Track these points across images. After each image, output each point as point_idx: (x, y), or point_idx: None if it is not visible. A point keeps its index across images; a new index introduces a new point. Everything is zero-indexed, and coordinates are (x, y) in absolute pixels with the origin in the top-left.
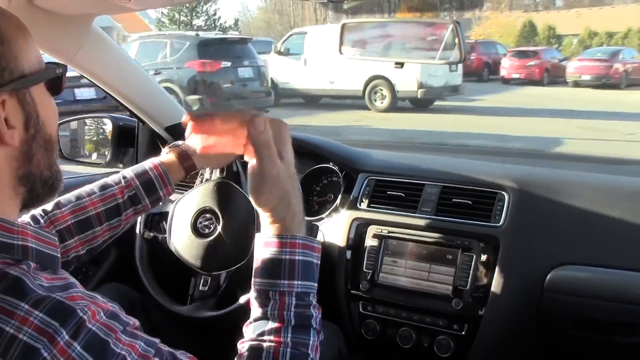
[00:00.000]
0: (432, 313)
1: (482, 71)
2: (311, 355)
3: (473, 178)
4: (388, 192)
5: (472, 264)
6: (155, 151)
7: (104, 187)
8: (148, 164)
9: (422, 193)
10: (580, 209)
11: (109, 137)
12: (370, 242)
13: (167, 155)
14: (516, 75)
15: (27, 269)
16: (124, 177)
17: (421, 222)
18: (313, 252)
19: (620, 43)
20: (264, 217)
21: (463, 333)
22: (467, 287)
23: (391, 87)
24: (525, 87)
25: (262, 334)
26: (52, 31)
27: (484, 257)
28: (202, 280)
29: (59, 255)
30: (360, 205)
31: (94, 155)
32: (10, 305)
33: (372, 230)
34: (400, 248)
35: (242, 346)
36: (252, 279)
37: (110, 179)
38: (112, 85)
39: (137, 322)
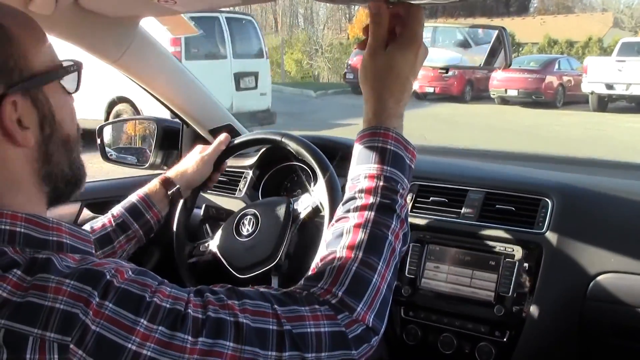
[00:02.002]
0: (474, 319)
1: None
2: (390, 238)
3: (516, 184)
4: (431, 198)
5: (515, 270)
6: None
7: (94, 221)
8: (133, 196)
9: (465, 199)
10: (624, 217)
11: (154, 140)
12: (412, 247)
13: (151, 183)
14: (430, 89)
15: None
16: (112, 212)
17: (464, 228)
18: (406, 151)
19: (580, 52)
20: (367, 105)
21: (505, 340)
22: (510, 294)
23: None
24: (440, 105)
25: (348, 210)
26: (97, 33)
27: (526, 264)
28: None
29: (93, 251)
30: None
31: (139, 158)
32: (42, 280)
33: (414, 235)
34: (443, 253)
35: (332, 222)
36: (350, 168)
37: (100, 217)
38: (157, 88)
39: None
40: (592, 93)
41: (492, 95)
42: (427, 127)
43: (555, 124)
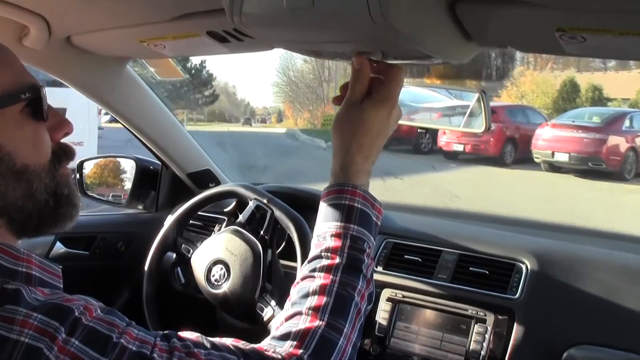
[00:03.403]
0: None
1: (417, 137)
2: (356, 299)
3: (491, 246)
4: (405, 256)
5: (486, 335)
6: (177, 196)
7: None
8: None
9: (439, 259)
10: (601, 288)
11: (132, 178)
12: (383, 305)
13: None
14: (458, 147)
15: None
16: None
17: (436, 289)
18: (373, 208)
19: None
20: (335, 159)
21: None
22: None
23: None
24: (470, 168)
25: (314, 269)
26: (87, 70)
27: (498, 329)
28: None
29: (62, 286)
30: (376, 267)
31: (117, 195)
32: (10, 312)
33: (386, 293)
34: (414, 314)
35: (296, 281)
36: (315, 225)
37: None
38: (140, 127)
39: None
40: None
41: (535, 159)
42: (446, 197)
43: (621, 203)
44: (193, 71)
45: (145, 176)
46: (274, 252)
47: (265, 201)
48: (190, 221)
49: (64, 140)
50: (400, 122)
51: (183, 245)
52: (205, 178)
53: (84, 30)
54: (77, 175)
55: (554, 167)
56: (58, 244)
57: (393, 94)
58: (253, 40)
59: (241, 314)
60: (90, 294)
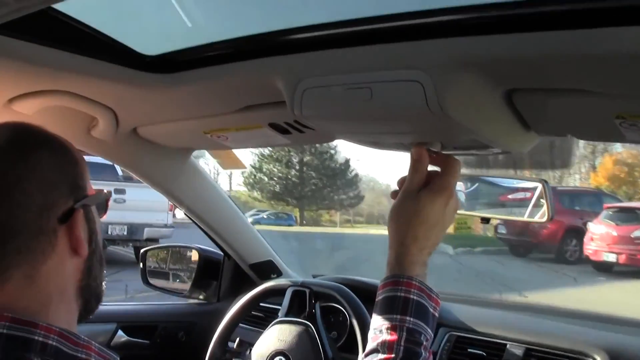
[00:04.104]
0: None
1: (561, 244)
2: None
3: (559, 341)
4: (469, 350)
5: None
6: (239, 286)
7: None
8: None
9: (504, 353)
10: None
11: (194, 268)
12: None
13: None
14: (610, 257)
15: None
16: None
17: None
18: (430, 299)
19: None
20: (391, 250)
21: None
22: None
23: None
24: (624, 283)
25: None
26: (152, 161)
27: None
28: None
29: None
30: None
31: (178, 285)
32: None
33: None
34: None
35: None
36: (372, 318)
37: None
38: (203, 218)
39: None
40: None
41: None
42: None
43: None
44: (337, 172)
45: (208, 266)
46: (326, 332)
47: (299, 284)
48: (252, 312)
49: None
50: (460, 212)
51: (242, 337)
52: (267, 269)
53: (150, 122)
54: (141, 265)
55: None
56: (119, 332)
57: (450, 184)
58: (314, 132)
59: None
60: None
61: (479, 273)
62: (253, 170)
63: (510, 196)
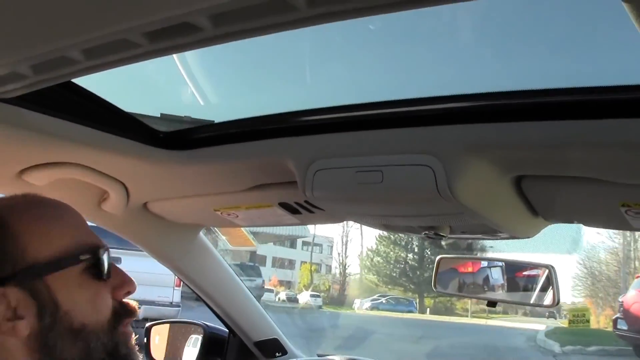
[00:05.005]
0: None
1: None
2: None
3: None
4: None
5: None
6: None
7: None
8: None
9: None
10: None
11: (199, 345)
12: None
13: None
14: None
15: None
16: None
17: None
18: None
19: None
20: None
21: None
22: None
23: None
24: None
25: None
26: (162, 236)
27: None
28: None
29: None
30: None
31: None
32: None
33: None
34: None
35: None
36: None
37: None
38: (209, 294)
39: None
40: None
41: None
42: None
43: None
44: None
45: (213, 343)
46: None
47: None
48: None
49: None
50: (470, 295)
51: None
52: (272, 347)
53: (161, 198)
54: (145, 339)
55: None
56: None
57: None
58: (324, 212)
59: None
60: None
61: None
62: (369, 252)
63: (519, 280)
